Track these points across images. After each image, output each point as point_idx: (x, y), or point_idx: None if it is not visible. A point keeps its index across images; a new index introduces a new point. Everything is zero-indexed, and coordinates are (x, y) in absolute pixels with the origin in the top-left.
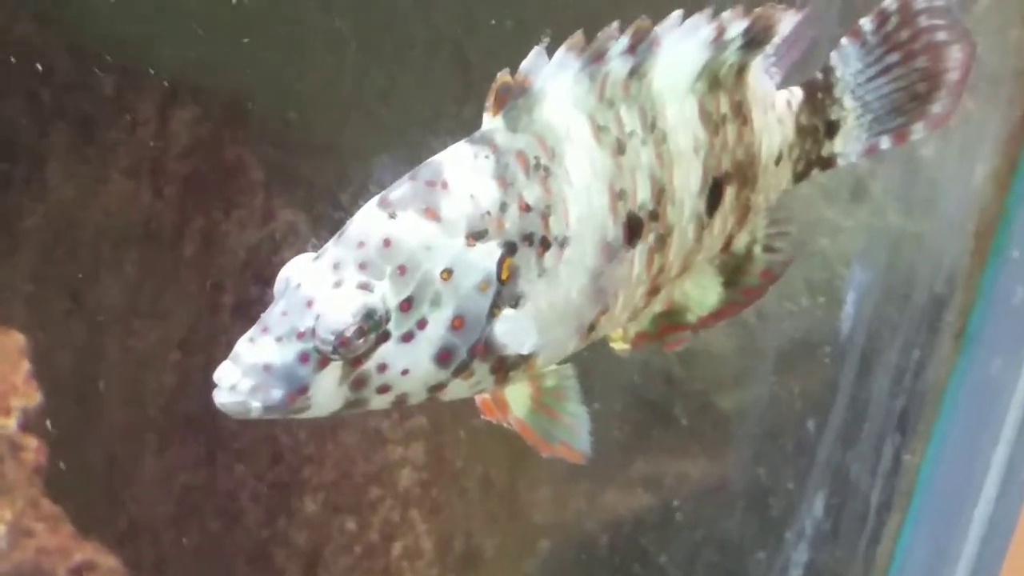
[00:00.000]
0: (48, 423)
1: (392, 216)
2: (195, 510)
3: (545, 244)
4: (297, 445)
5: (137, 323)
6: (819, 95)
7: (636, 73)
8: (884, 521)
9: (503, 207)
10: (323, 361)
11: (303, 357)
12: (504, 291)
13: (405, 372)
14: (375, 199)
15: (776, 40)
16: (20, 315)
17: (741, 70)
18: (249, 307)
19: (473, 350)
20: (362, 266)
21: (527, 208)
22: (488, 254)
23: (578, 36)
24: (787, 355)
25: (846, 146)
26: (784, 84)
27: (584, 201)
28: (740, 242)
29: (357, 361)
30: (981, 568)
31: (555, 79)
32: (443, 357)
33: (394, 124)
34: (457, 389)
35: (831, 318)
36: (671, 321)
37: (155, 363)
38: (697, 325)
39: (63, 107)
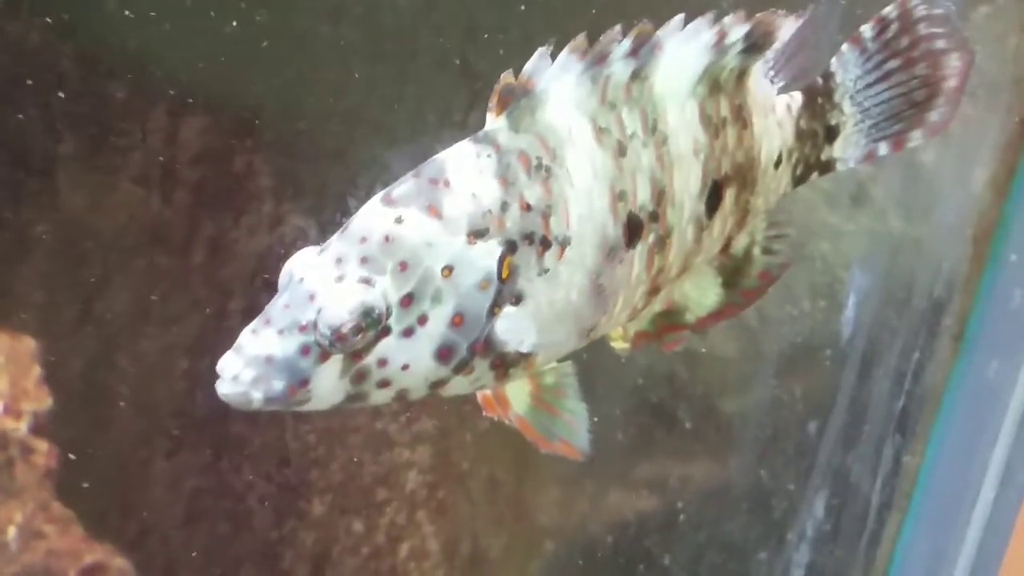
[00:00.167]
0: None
1: (395, 213)
2: (204, 512)
3: (545, 244)
4: (305, 448)
5: (147, 328)
6: (819, 100)
7: (638, 76)
8: (884, 522)
9: (504, 206)
10: (324, 354)
11: (304, 350)
12: (504, 289)
13: (405, 367)
14: (378, 195)
15: (776, 45)
16: (31, 320)
17: (742, 74)
18: (258, 313)
19: (473, 347)
20: (364, 261)
21: (528, 208)
22: (489, 252)
23: (581, 39)
24: (789, 358)
25: (845, 151)
26: (784, 89)
27: (585, 202)
28: (739, 244)
29: (357, 355)
30: (979, 568)
31: (558, 81)
32: (443, 353)
33: (401, 132)
34: (458, 385)
35: (832, 322)
36: (670, 321)
37: (164, 368)
38: (696, 325)
39: (75, 116)
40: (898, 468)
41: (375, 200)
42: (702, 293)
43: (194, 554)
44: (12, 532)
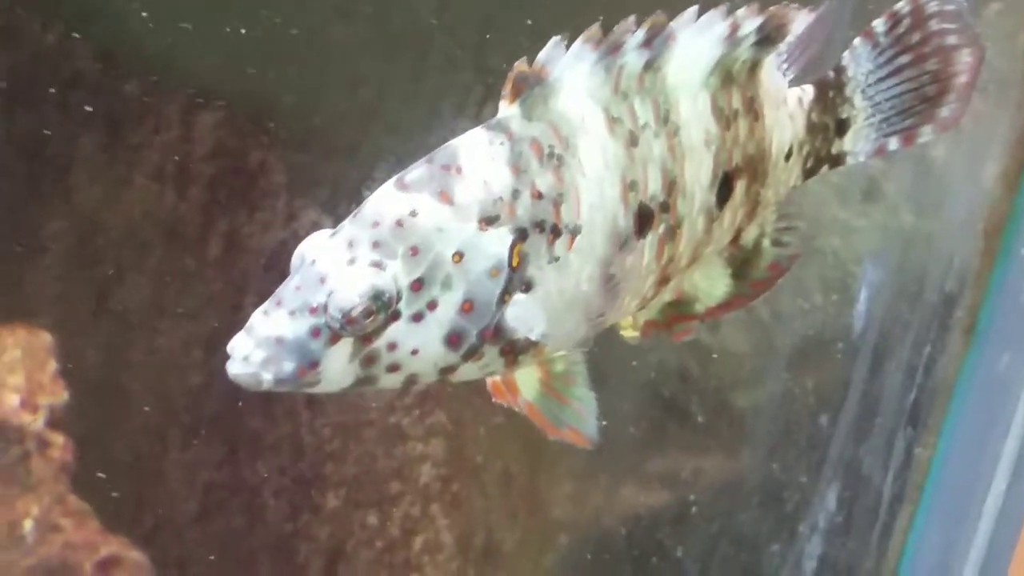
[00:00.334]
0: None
1: (407, 198)
2: (219, 506)
3: (556, 232)
4: (319, 442)
5: (161, 323)
6: (830, 93)
7: (651, 67)
8: (896, 514)
9: (516, 194)
10: (334, 337)
11: (315, 332)
12: (515, 277)
13: (415, 352)
14: (392, 180)
15: (789, 38)
16: (47, 315)
17: (754, 67)
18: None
19: (483, 334)
20: (376, 245)
21: (539, 196)
22: (499, 239)
23: (595, 29)
24: (801, 352)
25: (855, 145)
26: (796, 82)
27: (596, 191)
28: (749, 235)
29: (367, 339)
30: (991, 559)
31: (571, 70)
32: (453, 340)
33: (415, 128)
34: (467, 372)
35: (844, 316)
36: (679, 311)
37: (179, 362)
38: (705, 316)
39: (90, 113)
40: (910, 460)
41: (388, 184)
42: (711, 284)
43: (209, 547)
44: (29, 525)
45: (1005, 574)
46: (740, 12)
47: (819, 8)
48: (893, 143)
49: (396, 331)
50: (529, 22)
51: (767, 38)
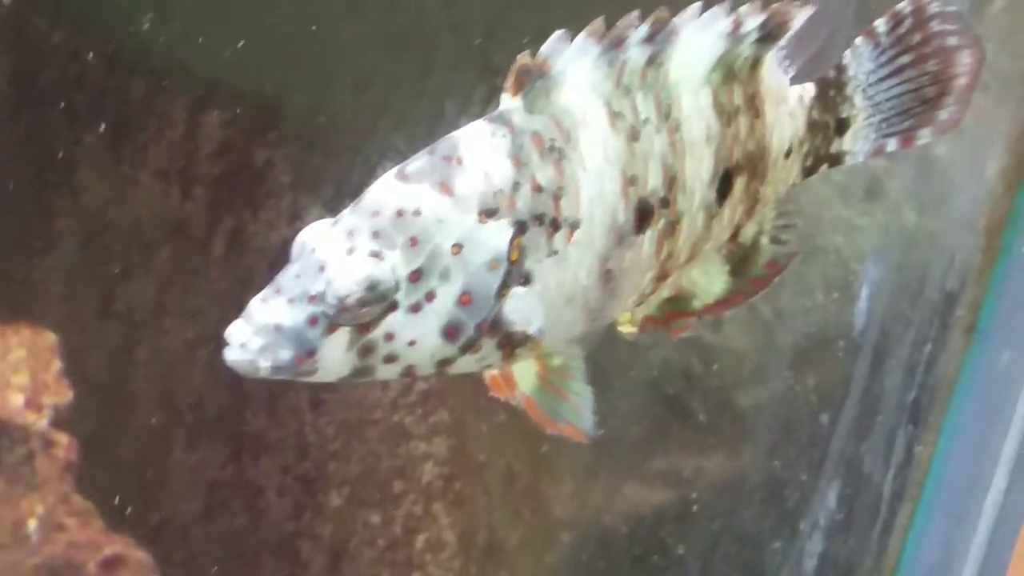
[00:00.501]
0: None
1: (407, 188)
2: (222, 505)
3: (555, 225)
4: (322, 441)
5: (167, 322)
6: (831, 92)
7: (653, 62)
8: (896, 511)
9: (516, 186)
10: (332, 326)
11: (312, 320)
12: (513, 270)
13: (412, 343)
14: (393, 170)
15: (791, 35)
16: (52, 314)
17: (755, 63)
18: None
19: (481, 327)
20: (375, 235)
21: (539, 189)
22: (499, 232)
23: (599, 23)
24: (802, 350)
25: (855, 144)
26: (797, 80)
27: (596, 185)
28: (748, 232)
29: (365, 328)
30: (991, 557)
31: (574, 64)
32: (451, 332)
33: (420, 127)
34: (465, 364)
35: (845, 314)
36: (677, 307)
37: (184, 361)
38: (703, 312)
39: (96, 110)
40: (910, 458)
41: (389, 175)
42: (710, 280)
43: (212, 546)
44: (33, 524)
45: (1005, 572)
46: (743, 9)
47: (821, 5)
48: (892, 144)
49: (394, 322)
50: (535, 21)
51: (769, 35)
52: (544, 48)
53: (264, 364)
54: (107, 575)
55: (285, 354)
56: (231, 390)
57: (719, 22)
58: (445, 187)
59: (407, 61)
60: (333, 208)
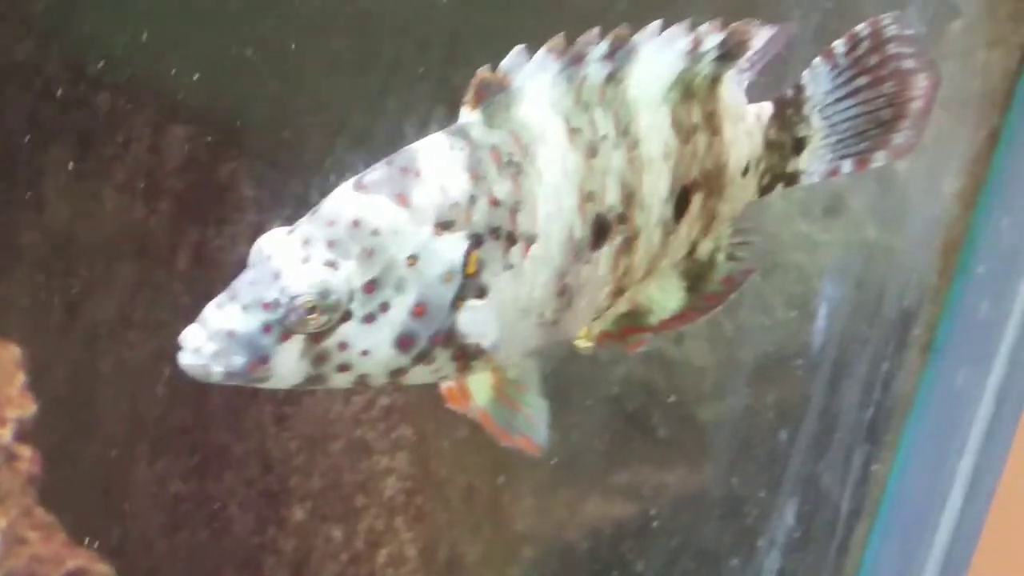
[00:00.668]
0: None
1: (364, 199)
2: (186, 518)
3: (512, 239)
4: (286, 455)
5: (131, 336)
6: (788, 112)
7: (613, 79)
8: (853, 529)
9: (473, 200)
10: (285, 334)
11: (266, 328)
12: (468, 283)
13: (365, 353)
14: (351, 180)
15: (750, 54)
16: (16, 327)
17: (714, 82)
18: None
19: (434, 338)
20: (331, 244)
21: (496, 203)
22: (454, 245)
23: (559, 39)
24: (762, 367)
25: (811, 164)
26: (755, 99)
27: (553, 200)
28: (704, 249)
29: (318, 337)
30: (947, 574)
31: (534, 79)
32: (404, 342)
33: (381, 143)
34: (418, 375)
35: (804, 331)
36: (634, 322)
37: (148, 375)
38: (659, 327)
39: (60, 124)
40: (867, 476)
41: (347, 184)
42: (666, 296)
43: (175, 560)
44: None
45: None
46: (702, 28)
47: (780, 25)
48: (847, 166)
49: (347, 331)
50: (497, 42)
51: (728, 54)
52: (504, 63)
53: (217, 370)
54: None
55: (238, 360)
56: (195, 404)
57: (679, 40)
58: (402, 199)
59: (369, 79)
60: (296, 222)
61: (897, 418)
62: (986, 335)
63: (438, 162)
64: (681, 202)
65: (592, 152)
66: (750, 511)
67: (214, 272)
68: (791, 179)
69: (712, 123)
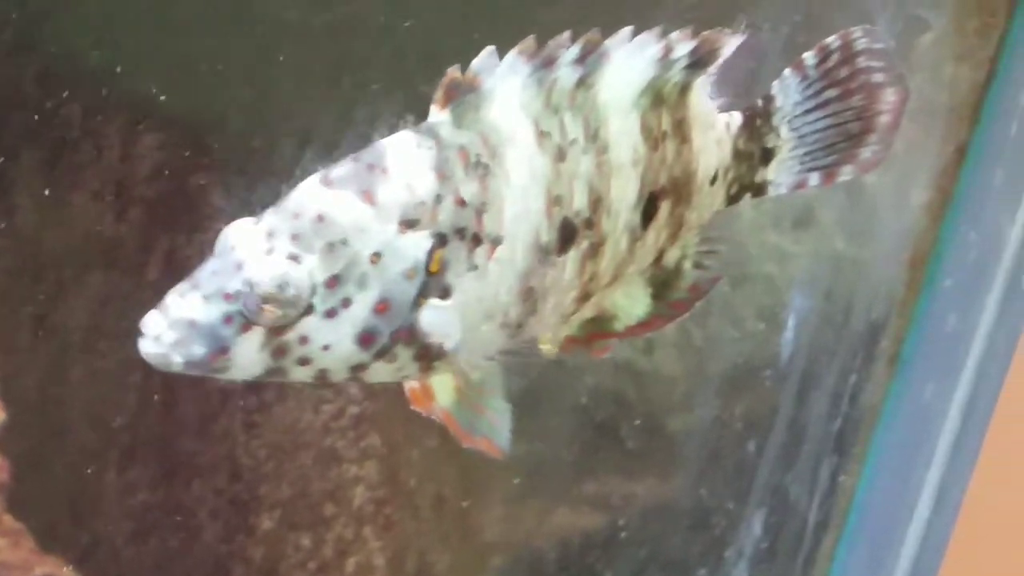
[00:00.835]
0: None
1: (330, 193)
2: (154, 526)
3: (477, 240)
4: (255, 463)
5: (100, 344)
6: (758, 122)
7: (583, 83)
8: (820, 540)
9: (438, 199)
10: (246, 325)
11: (227, 319)
12: (432, 282)
13: (326, 348)
14: (318, 174)
15: (720, 63)
16: None
17: (684, 90)
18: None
19: (395, 335)
20: (295, 238)
21: (462, 203)
22: (418, 243)
23: (530, 41)
24: (731, 378)
25: (779, 175)
26: (725, 108)
27: (520, 202)
28: (671, 257)
29: (279, 330)
30: None
31: (504, 81)
32: (365, 339)
33: (352, 152)
34: (380, 372)
35: (772, 343)
36: (599, 328)
37: (117, 383)
38: (624, 334)
39: (30, 131)
40: (835, 488)
41: (314, 178)
42: (632, 303)
43: (144, 567)
44: None
45: None
46: (673, 35)
47: (751, 35)
48: (814, 179)
49: (308, 325)
50: (470, 52)
51: (699, 62)
52: (475, 63)
53: (177, 359)
54: None
55: (198, 350)
56: (164, 412)
57: (650, 47)
58: (367, 195)
59: (340, 87)
60: None
61: (865, 430)
62: (953, 348)
63: (405, 160)
64: (649, 209)
65: (561, 156)
66: (718, 522)
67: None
68: (759, 189)
69: (681, 131)
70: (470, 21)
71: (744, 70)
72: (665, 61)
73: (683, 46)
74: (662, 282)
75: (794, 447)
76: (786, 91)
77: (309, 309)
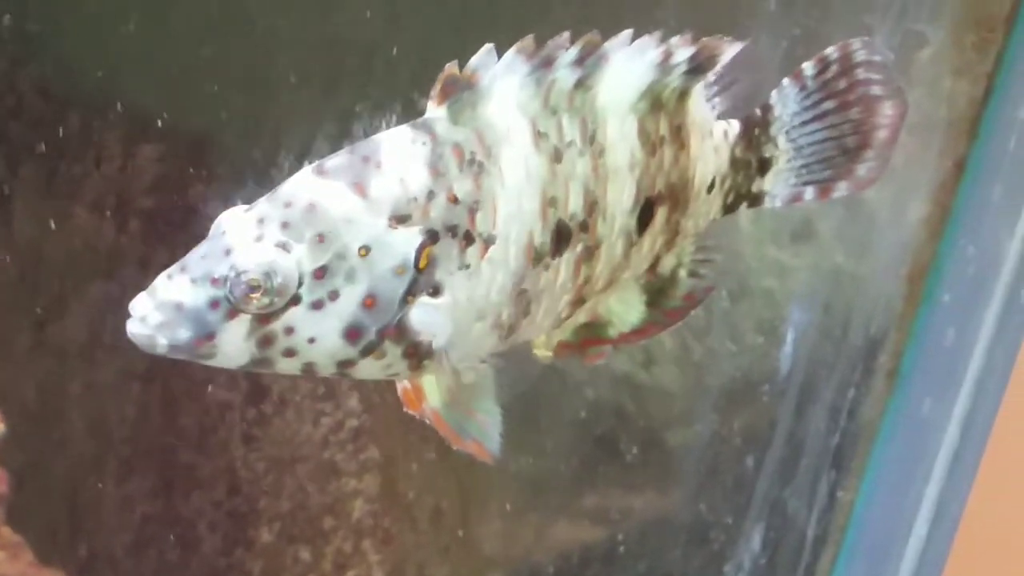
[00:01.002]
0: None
1: (322, 183)
2: (153, 538)
3: (469, 239)
4: (254, 476)
5: (99, 355)
6: (756, 131)
7: (582, 85)
8: (819, 555)
9: (431, 195)
10: (232, 312)
11: (214, 303)
12: (421, 279)
13: (312, 340)
14: (313, 164)
15: (719, 70)
16: None
17: (683, 95)
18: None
19: (383, 332)
20: (284, 226)
21: (455, 200)
22: (408, 239)
23: (529, 40)
24: (730, 392)
25: (775, 187)
26: (723, 115)
27: (514, 202)
28: (666, 264)
29: (265, 319)
30: None
31: (502, 79)
32: (352, 334)
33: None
34: (368, 369)
35: (771, 357)
36: (593, 334)
37: (117, 395)
38: (618, 340)
39: (30, 143)
40: (833, 503)
41: (308, 168)
42: (626, 309)
43: None
44: None
45: None
46: (673, 40)
47: (751, 44)
48: (809, 193)
49: (294, 316)
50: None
51: (698, 67)
52: (473, 60)
53: (162, 341)
54: None
55: (183, 334)
56: (163, 424)
57: (649, 51)
58: (359, 188)
59: (340, 98)
60: None
61: (863, 445)
62: (952, 363)
63: (399, 155)
64: (645, 214)
65: (557, 157)
66: (717, 536)
67: None
68: (755, 200)
69: (679, 136)
70: (469, 32)
71: (743, 79)
72: (665, 66)
73: (683, 51)
74: (657, 289)
75: (793, 462)
76: (785, 101)
77: (296, 299)
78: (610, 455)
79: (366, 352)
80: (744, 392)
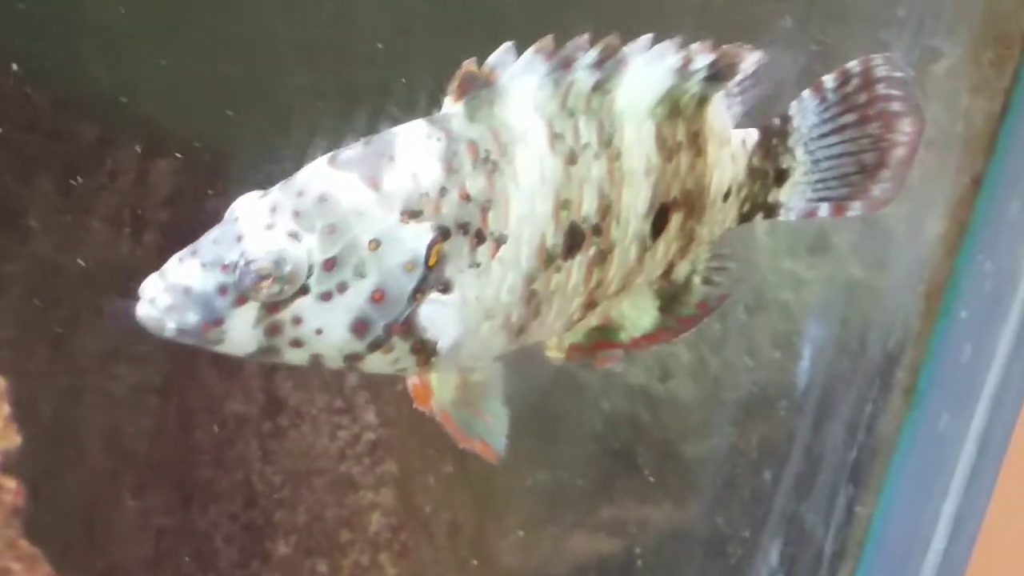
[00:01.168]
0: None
1: (336, 175)
2: (170, 551)
3: (480, 237)
4: (270, 489)
5: (116, 368)
6: (774, 141)
7: (600, 88)
8: (836, 571)
9: (443, 192)
10: (240, 298)
11: (222, 289)
12: (431, 275)
13: (319, 331)
14: (328, 155)
15: (739, 78)
16: (1, 359)
17: (702, 102)
18: (224, 353)
19: (391, 327)
20: (296, 215)
21: (468, 198)
22: (419, 234)
23: (548, 40)
24: (747, 406)
25: (790, 199)
26: (741, 124)
27: (527, 203)
28: (681, 271)
29: (273, 307)
30: None
31: (521, 79)
32: (359, 327)
33: None
34: (376, 363)
35: (788, 372)
36: (605, 337)
37: (133, 407)
38: (630, 345)
39: (46, 157)
40: (851, 518)
41: (323, 158)
42: (639, 314)
43: None
44: None
45: None
46: (693, 46)
47: (771, 52)
48: (824, 209)
49: (302, 306)
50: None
51: (717, 75)
52: (491, 58)
53: (171, 324)
54: None
55: (192, 317)
56: (180, 437)
57: (669, 56)
58: (372, 181)
59: (356, 110)
60: None
61: (881, 460)
62: (969, 379)
63: (413, 149)
64: (660, 220)
65: (572, 159)
66: (734, 550)
67: None
68: (770, 210)
69: (697, 143)
70: (476, 40)
71: (762, 89)
72: (684, 71)
73: (702, 58)
74: (671, 296)
75: (810, 476)
76: (804, 112)
77: (305, 289)
78: (627, 468)
79: (373, 347)
80: (761, 406)
